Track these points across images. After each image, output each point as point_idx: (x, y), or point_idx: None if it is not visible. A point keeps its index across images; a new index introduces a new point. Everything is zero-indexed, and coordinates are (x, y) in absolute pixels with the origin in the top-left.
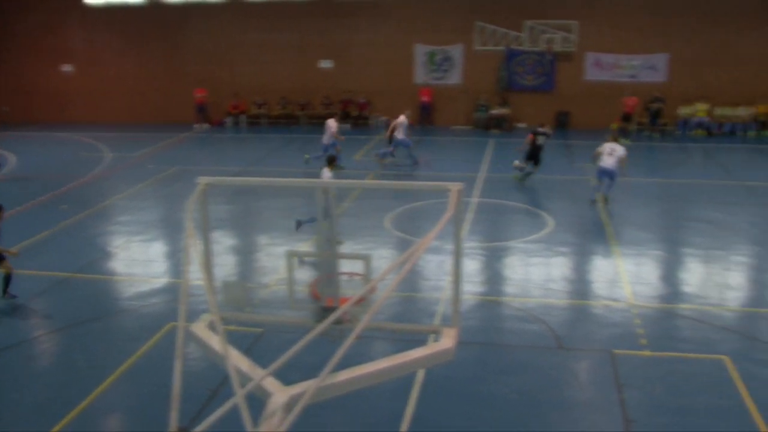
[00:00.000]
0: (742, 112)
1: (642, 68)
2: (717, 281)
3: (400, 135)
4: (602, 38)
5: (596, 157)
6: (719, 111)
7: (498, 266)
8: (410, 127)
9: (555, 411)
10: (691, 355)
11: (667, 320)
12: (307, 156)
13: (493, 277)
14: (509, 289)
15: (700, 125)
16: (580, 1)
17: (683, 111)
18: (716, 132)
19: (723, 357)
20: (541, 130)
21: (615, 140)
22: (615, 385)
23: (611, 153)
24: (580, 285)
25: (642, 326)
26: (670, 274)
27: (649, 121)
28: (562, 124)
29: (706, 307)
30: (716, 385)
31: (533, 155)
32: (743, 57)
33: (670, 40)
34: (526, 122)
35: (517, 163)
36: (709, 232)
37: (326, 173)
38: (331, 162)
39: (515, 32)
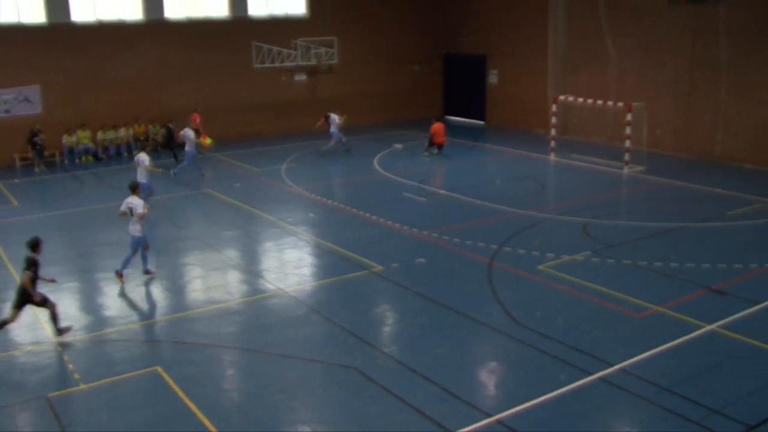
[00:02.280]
0: (123, 133)
1: (16, 102)
2: (134, 298)
3: (189, 147)
4: None
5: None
6: (102, 135)
7: None
8: None
9: None
10: (127, 375)
11: (96, 349)
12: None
13: None
14: None
15: (86, 152)
16: None
17: (67, 140)
18: (103, 156)
19: (156, 368)
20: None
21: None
22: (59, 428)
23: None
24: None
25: (72, 362)
26: (89, 303)
27: (35, 155)
28: None
29: (131, 325)
30: (156, 396)
31: None
32: (113, 82)
33: (41, 70)
34: None
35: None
36: (116, 254)
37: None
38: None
39: None
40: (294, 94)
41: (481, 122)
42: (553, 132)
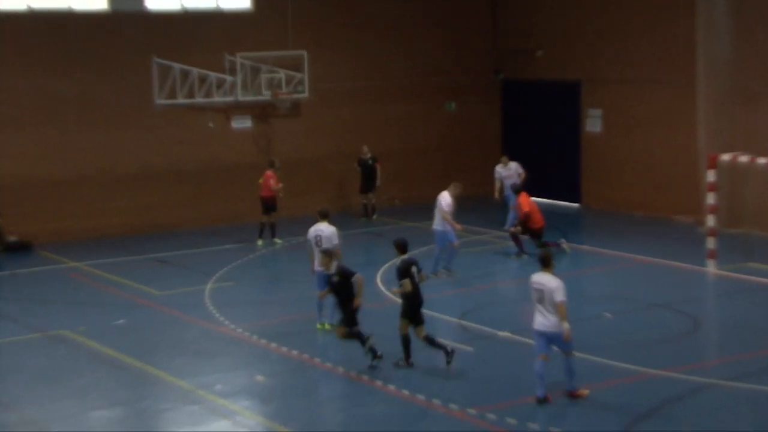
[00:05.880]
0: None
1: None
2: None
3: (438, 225)
4: None
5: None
6: None
7: None
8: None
9: None
10: None
11: None
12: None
13: None
14: None
15: None
16: None
17: None
18: None
19: None
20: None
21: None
22: None
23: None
24: None
25: None
26: None
27: None
28: None
29: None
30: None
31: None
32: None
33: None
34: None
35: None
36: None
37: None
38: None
39: None
40: (229, 153)
41: (574, 204)
42: (710, 221)
